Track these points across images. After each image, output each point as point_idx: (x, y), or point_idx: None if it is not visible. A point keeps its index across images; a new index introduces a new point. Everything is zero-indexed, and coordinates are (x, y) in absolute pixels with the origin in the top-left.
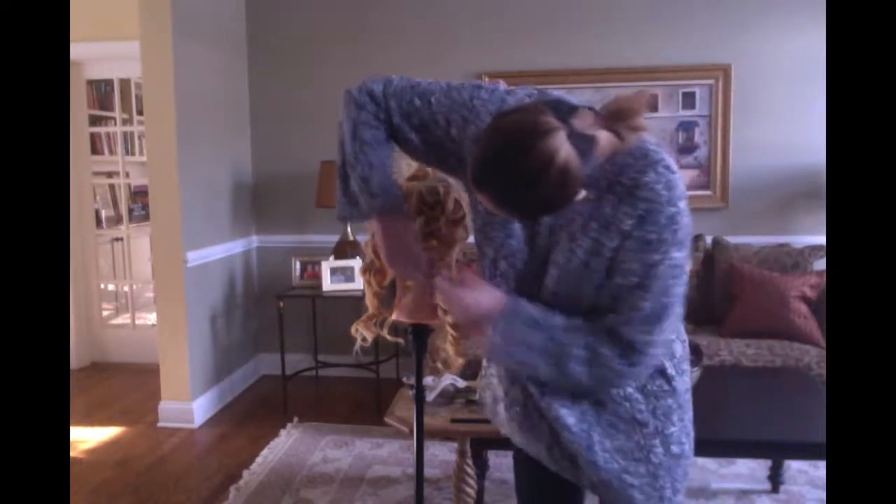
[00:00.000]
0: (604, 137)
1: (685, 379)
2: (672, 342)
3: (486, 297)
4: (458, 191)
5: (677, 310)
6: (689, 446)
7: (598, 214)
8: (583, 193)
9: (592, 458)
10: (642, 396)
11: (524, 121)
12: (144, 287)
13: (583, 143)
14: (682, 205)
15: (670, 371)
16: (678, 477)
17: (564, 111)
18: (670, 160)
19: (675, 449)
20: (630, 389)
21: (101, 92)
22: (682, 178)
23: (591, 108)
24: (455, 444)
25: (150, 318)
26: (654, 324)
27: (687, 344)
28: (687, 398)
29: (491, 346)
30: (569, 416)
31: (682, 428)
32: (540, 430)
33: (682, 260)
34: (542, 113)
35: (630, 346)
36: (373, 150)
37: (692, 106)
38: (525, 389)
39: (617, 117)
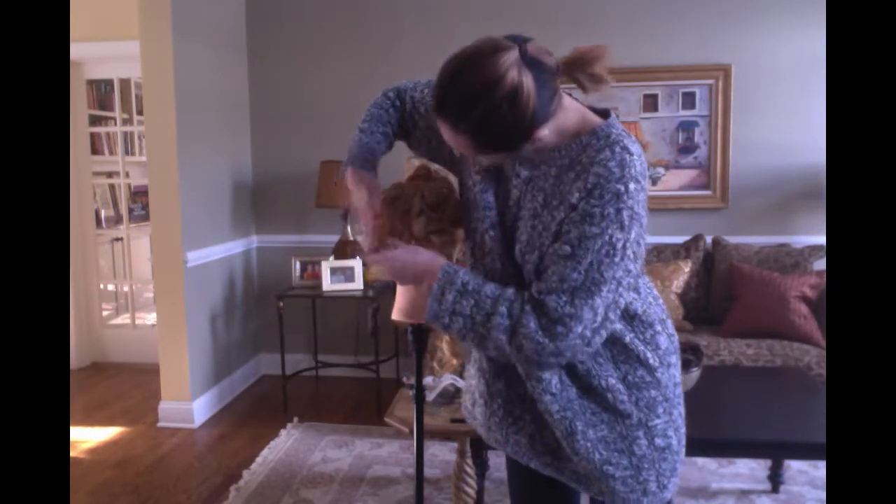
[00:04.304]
0: (571, 105)
1: (673, 373)
2: (657, 334)
3: (422, 258)
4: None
5: (612, 294)
6: (676, 441)
7: (557, 191)
8: (545, 131)
9: (575, 447)
10: (624, 387)
11: (476, 44)
12: (144, 287)
13: (536, 68)
14: (633, 186)
15: (653, 362)
16: (664, 471)
17: (521, 39)
18: (633, 145)
19: (659, 442)
20: (612, 380)
21: (101, 92)
22: (642, 163)
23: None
24: (455, 444)
25: (150, 318)
26: (580, 297)
27: (675, 339)
28: (676, 393)
29: (429, 311)
30: (553, 402)
31: (669, 422)
32: (523, 421)
33: (621, 242)
34: (494, 38)
35: (551, 317)
36: (371, 121)
37: (692, 106)
38: (508, 382)
39: (574, 65)
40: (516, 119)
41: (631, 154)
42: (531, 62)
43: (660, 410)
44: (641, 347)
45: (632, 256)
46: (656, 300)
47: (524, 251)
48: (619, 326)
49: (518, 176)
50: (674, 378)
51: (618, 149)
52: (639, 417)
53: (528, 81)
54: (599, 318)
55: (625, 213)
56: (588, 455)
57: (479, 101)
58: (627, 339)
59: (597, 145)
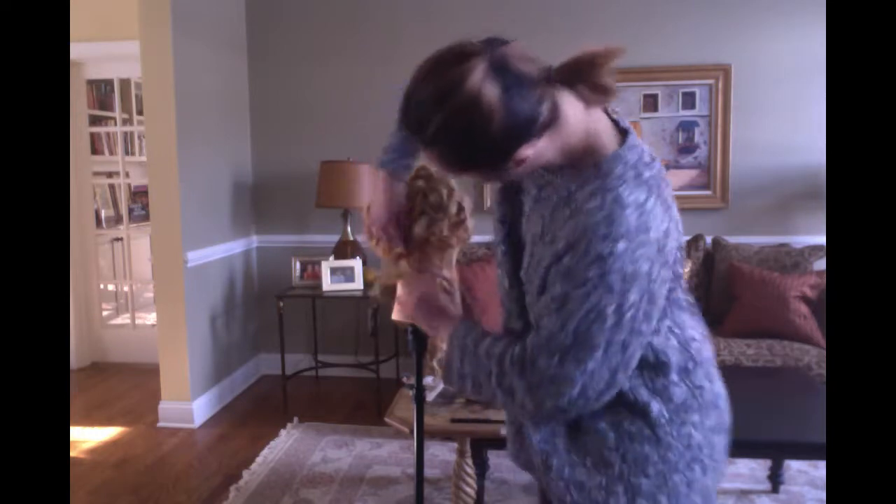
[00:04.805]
0: (577, 120)
1: (687, 433)
2: (672, 385)
3: (441, 316)
4: (461, 193)
5: (616, 357)
6: None
7: (551, 226)
8: (529, 151)
9: (550, 485)
10: (614, 434)
11: (443, 49)
12: (144, 287)
13: (507, 76)
14: (623, 246)
15: (656, 416)
16: None
17: (498, 42)
18: (631, 194)
19: (642, 503)
20: (602, 424)
21: (101, 92)
22: (642, 215)
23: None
24: (455, 444)
25: (150, 318)
26: (570, 361)
27: (705, 394)
28: (687, 457)
29: (444, 377)
30: (534, 433)
31: (662, 486)
32: (528, 448)
33: (613, 306)
34: (463, 43)
35: (543, 376)
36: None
37: (692, 106)
38: None
39: (571, 72)
40: (480, 134)
41: (624, 207)
42: (501, 70)
43: (650, 471)
44: (645, 397)
45: (641, 317)
46: (684, 345)
47: (526, 274)
48: None
49: (529, 192)
50: (686, 440)
51: (609, 198)
52: (621, 470)
53: (492, 91)
54: (600, 383)
55: (612, 278)
56: (561, 495)
57: (435, 113)
58: (626, 386)
59: (592, 187)
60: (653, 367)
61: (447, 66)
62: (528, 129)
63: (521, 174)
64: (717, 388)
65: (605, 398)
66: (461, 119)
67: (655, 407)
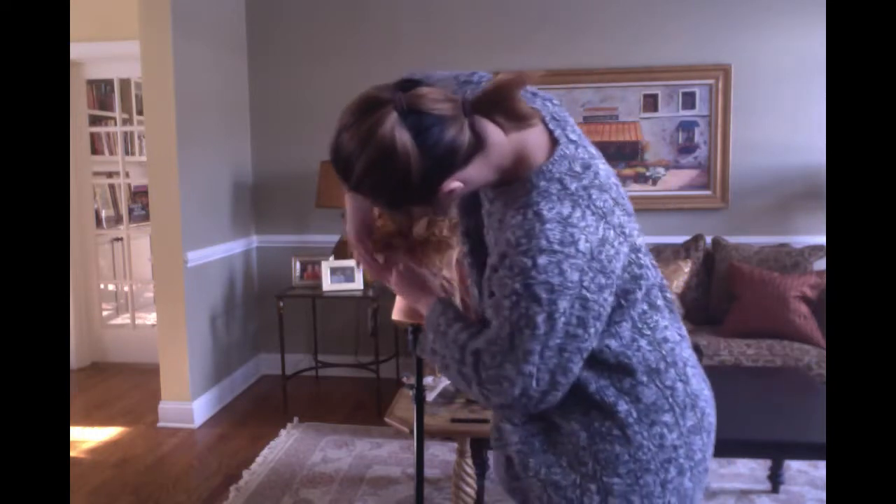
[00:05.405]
0: (502, 140)
1: (658, 433)
2: (640, 385)
3: (421, 290)
4: None
5: (554, 360)
6: None
7: (497, 238)
8: (455, 184)
9: (529, 483)
10: (585, 434)
11: (356, 100)
12: (144, 287)
13: (418, 120)
14: (543, 260)
15: (625, 416)
16: None
17: (408, 84)
18: (552, 208)
19: (614, 502)
20: (575, 424)
21: (101, 92)
22: (565, 229)
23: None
24: (455, 444)
25: (150, 318)
26: (509, 362)
27: (678, 394)
28: (660, 458)
29: (419, 347)
30: (513, 433)
31: (634, 486)
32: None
33: (543, 315)
34: (374, 92)
35: (489, 374)
36: None
37: (692, 106)
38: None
39: (484, 105)
40: (400, 177)
41: (544, 222)
42: (411, 114)
43: (622, 470)
44: (612, 398)
45: (575, 322)
46: (656, 346)
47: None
48: (584, 374)
49: (483, 206)
50: (658, 440)
51: (530, 213)
52: (594, 470)
53: (403, 136)
54: (541, 384)
55: (537, 289)
56: (539, 495)
57: (356, 162)
58: (592, 387)
59: (519, 200)
60: (614, 368)
61: (361, 117)
62: (448, 164)
63: (457, 200)
64: (693, 388)
65: (550, 398)
66: (379, 166)
67: (623, 407)
